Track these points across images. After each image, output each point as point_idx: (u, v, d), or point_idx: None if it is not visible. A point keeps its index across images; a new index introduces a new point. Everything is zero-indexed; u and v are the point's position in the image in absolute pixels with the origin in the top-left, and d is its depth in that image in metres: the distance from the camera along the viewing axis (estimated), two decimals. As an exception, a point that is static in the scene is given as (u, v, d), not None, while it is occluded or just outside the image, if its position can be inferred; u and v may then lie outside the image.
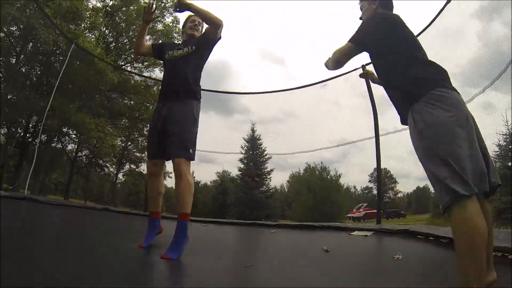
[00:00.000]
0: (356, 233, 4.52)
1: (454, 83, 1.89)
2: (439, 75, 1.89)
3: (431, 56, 2.01)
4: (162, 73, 3.56)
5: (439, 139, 1.68)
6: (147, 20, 3.38)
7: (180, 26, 26.03)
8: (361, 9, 2.41)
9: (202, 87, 3.19)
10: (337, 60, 2.22)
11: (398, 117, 2.04)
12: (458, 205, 1.58)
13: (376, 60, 2.19)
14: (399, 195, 49.63)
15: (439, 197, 1.70)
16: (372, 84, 6.42)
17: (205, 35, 3.24)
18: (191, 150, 2.91)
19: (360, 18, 2.40)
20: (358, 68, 6.48)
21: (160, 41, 3.73)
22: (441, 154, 1.66)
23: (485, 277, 1.55)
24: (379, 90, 7.56)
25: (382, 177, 40.92)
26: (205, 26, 3.24)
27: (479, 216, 1.55)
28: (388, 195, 47.85)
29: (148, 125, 26.68)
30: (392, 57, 1.99)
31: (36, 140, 23.49)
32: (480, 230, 1.52)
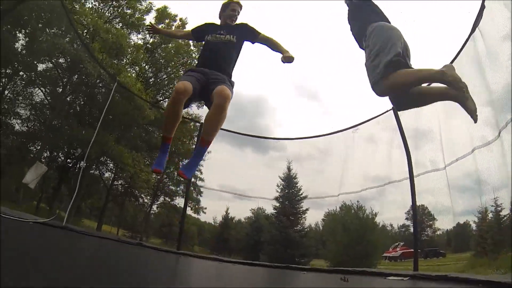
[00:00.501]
0: (392, 278, 4.35)
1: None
2: None
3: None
4: (200, 52, 3.80)
5: None
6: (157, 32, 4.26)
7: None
8: None
9: (239, 129, 3.42)
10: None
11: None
12: None
13: None
14: (438, 232, 47.10)
15: None
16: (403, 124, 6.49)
17: (243, 37, 3.57)
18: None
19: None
20: (389, 110, 6.61)
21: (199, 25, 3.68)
22: None
23: None
24: (412, 127, 7.54)
25: (419, 214, 39.16)
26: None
27: None
28: (426, 233, 45.74)
29: (183, 160, 27.43)
30: None
31: (78, 168, 24.54)
32: None
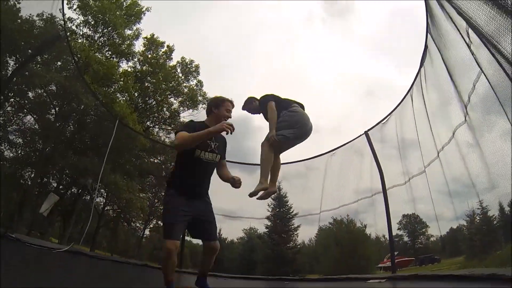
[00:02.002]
0: (371, 281, 4.88)
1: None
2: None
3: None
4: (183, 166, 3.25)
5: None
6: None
7: (204, 89, 28.01)
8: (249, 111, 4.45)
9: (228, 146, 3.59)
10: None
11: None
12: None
13: None
14: (432, 239, 47.01)
15: None
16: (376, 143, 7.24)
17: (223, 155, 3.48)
18: None
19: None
20: (362, 135, 7.47)
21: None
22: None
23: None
24: (401, 135, 8.05)
25: (411, 223, 39.47)
26: None
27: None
28: (419, 240, 45.83)
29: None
30: None
31: (70, 195, 24.78)
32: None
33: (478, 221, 29.11)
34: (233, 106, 3.41)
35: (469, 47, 4.24)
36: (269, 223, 28.32)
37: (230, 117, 3.33)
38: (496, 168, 4.80)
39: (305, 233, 32.32)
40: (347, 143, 8.62)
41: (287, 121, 3.78)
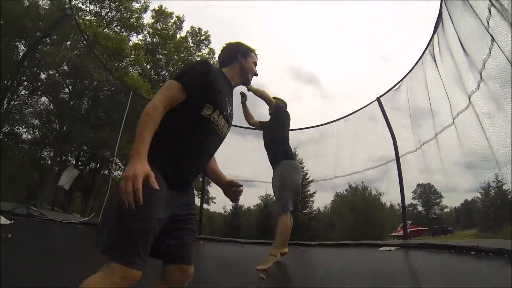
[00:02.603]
0: (382, 248, 5.00)
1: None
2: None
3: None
4: None
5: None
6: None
7: (216, 57, 27.75)
8: None
9: (240, 118, 3.74)
10: None
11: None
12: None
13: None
14: (446, 210, 46.81)
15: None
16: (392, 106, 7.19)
17: None
18: None
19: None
20: (374, 101, 7.38)
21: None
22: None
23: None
24: (414, 103, 7.94)
25: (425, 193, 39.21)
26: None
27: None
28: (433, 211, 45.75)
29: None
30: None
31: (89, 170, 25.40)
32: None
33: (492, 194, 29.00)
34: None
35: (489, 10, 4.16)
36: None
37: (257, 75, 2.27)
38: None
39: (321, 200, 32.52)
40: (360, 109, 8.53)
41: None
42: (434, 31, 5.82)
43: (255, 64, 2.27)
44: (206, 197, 29.24)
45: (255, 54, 2.27)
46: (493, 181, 28.72)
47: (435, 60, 5.98)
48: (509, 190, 28.02)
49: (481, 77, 4.95)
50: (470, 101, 5.34)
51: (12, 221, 4.68)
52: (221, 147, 1.96)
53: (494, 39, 4.13)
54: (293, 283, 2.44)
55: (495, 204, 27.82)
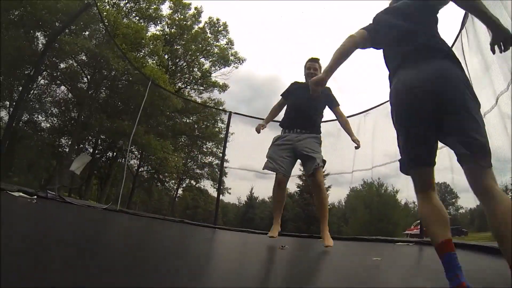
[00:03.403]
0: (400, 243, 4.97)
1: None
2: None
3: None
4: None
5: None
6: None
7: (235, 48, 27.81)
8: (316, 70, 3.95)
9: (256, 109, 3.81)
10: None
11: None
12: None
13: None
14: (461, 211, 46.38)
15: None
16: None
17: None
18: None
19: None
20: None
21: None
22: None
23: None
24: None
25: (441, 192, 38.42)
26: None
27: None
28: (448, 211, 45.20)
29: (206, 143, 28.35)
30: None
31: (106, 158, 25.79)
32: None
33: (510, 196, 28.59)
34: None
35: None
36: (300, 182, 28.57)
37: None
38: None
39: (336, 195, 32.49)
40: (381, 104, 8.41)
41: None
42: (462, 26, 5.68)
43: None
44: (221, 187, 29.40)
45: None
46: (511, 184, 28.35)
47: (464, 56, 5.85)
48: (525, 194, 27.72)
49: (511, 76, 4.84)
50: (496, 102, 5.23)
51: (35, 200, 4.81)
52: (239, 139, 5.28)
53: None
54: (308, 273, 2.42)
55: (511, 208, 27.46)
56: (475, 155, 1.68)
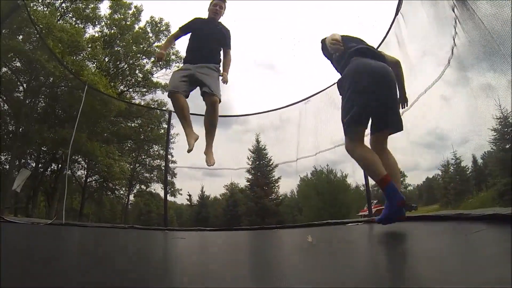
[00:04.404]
0: (350, 224, 5.15)
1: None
2: None
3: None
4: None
5: None
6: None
7: (176, 47, 27.27)
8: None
9: (199, 106, 4.07)
10: None
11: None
12: None
13: None
14: (409, 188, 48.93)
15: None
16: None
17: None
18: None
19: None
20: (336, 83, 7.44)
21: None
22: None
23: None
24: None
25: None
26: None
27: None
28: (397, 189, 47.59)
29: (153, 146, 27.86)
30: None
31: (51, 171, 24.55)
32: None
33: (452, 171, 30.79)
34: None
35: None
36: (250, 177, 28.80)
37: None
38: (469, 123, 4.93)
39: (286, 185, 32.91)
40: (321, 91, 8.59)
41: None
42: (397, 12, 5.93)
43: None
44: (172, 189, 28.99)
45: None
46: (452, 159, 30.44)
47: (399, 43, 6.10)
48: (467, 167, 29.91)
49: (448, 62, 5.13)
50: (431, 86, 5.52)
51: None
52: (184, 138, 3.96)
53: (459, 21, 4.29)
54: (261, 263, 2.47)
55: (454, 180, 29.45)
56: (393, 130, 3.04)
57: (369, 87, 2.67)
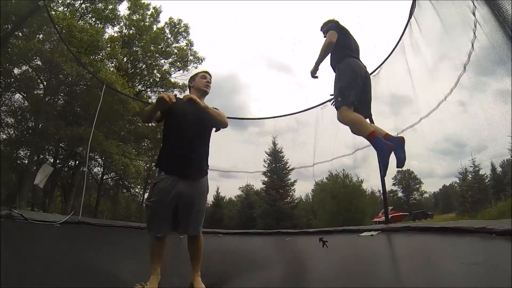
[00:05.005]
0: (364, 234, 5.04)
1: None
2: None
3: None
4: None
5: None
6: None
7: (194, 48, 27.61)
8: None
9: (215, 104, 3.23)
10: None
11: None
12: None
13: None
14: (426, 195, 48.09)
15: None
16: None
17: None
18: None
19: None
20: None
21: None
22: None
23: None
24: (391, 92, 8.01)
25: (405, 179, 40.13)
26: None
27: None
28: (413, 196, 46.83)
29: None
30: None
31: (69, 167, 24.88)
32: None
33: (470, 179, 30.17)
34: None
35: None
36: (265, 179, 28.71)
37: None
38: (487, 130, 4.80)
39: (302, 188, 32.82)
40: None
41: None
42: (410, 15, 5.83)
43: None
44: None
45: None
46: (470, 166, 29.84)
47: (414, 46, 5.99)
48: (485, 175, 29.25)
49: (464, 68, 5.01)
50: (450, 92, 5.39)
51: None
52: None
53: (479, 24, 4.17)
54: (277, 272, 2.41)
55: (472, 188, 28.83)
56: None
57: (362, 83, 3.42)
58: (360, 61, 3.65)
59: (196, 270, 2.82)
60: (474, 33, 4.36)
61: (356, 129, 3.21)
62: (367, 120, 3.46)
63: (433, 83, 6.03)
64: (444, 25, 5.14)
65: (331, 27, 3.77)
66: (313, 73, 3.89)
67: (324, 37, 3.86)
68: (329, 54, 3.79)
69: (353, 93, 3.32)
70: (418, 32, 5.98)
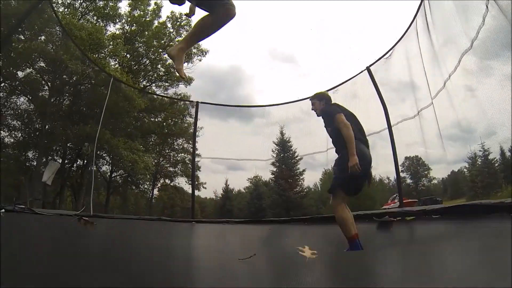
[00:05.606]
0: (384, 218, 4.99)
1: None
2: None
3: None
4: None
5: None
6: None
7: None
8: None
9: (220, 101, 3.21)
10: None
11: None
12: None
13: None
14: (434, 181, 47.70)
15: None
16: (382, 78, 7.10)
17: None
18: None
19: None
20: (364, 71, 7.23)
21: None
22: None
23: None
24: (396, 78, 7.92)
25: (413, 165, 39.93)
26: None
27: None
28: (422, 182, 46.58)
29: (177, 140, 28.03)
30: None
31: (77, 167, 25.05)
32: None
33: (479, 163, 29.89)
34: None
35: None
36: (274, 169, 28.70)
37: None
38: (496, 114, 4.76)
39: (310, 178, 32.63)
40: (349, 79, 8.38)
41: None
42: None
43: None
44: (196, 182, 29.15)
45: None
46: (479, 150, 29.59)
47: (428, 28, 5.86)
48: (495, 159, 29.04)
49: (471, 45, 4.93)
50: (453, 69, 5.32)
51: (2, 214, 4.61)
52: (207, 131, 5.89)
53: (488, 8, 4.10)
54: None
55: (482, 173, 28.63)
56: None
57: (362, 171, 3.43)
58: (366, 144, 3.78)
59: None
60: (487, 6, 4.27)
61: (343, 227, 3.31)
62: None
63: (440, 68, 5.91)
64: (456, 5, 5.06)
65: (336, 111, 3.78)
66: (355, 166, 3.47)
67: (312, 104, 4.17)
68: (323, 118, 4.03)
69: (353, 186, 3.60)
70: (428, 15, 5.87)
